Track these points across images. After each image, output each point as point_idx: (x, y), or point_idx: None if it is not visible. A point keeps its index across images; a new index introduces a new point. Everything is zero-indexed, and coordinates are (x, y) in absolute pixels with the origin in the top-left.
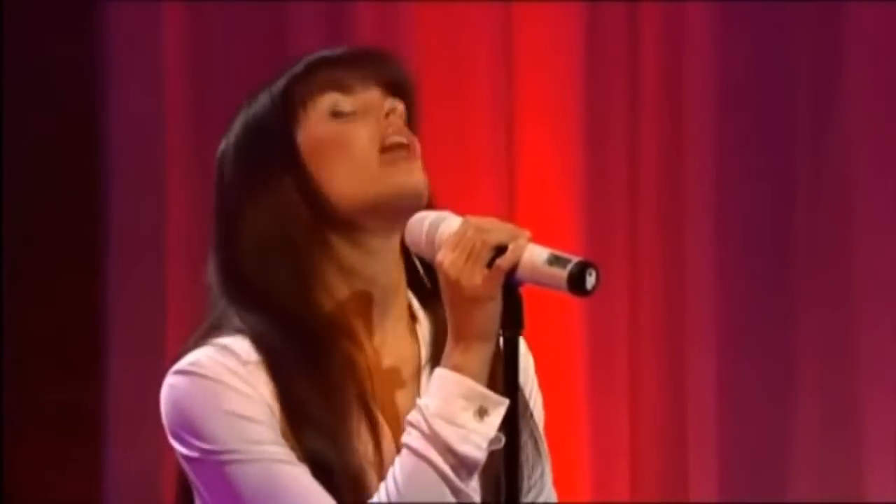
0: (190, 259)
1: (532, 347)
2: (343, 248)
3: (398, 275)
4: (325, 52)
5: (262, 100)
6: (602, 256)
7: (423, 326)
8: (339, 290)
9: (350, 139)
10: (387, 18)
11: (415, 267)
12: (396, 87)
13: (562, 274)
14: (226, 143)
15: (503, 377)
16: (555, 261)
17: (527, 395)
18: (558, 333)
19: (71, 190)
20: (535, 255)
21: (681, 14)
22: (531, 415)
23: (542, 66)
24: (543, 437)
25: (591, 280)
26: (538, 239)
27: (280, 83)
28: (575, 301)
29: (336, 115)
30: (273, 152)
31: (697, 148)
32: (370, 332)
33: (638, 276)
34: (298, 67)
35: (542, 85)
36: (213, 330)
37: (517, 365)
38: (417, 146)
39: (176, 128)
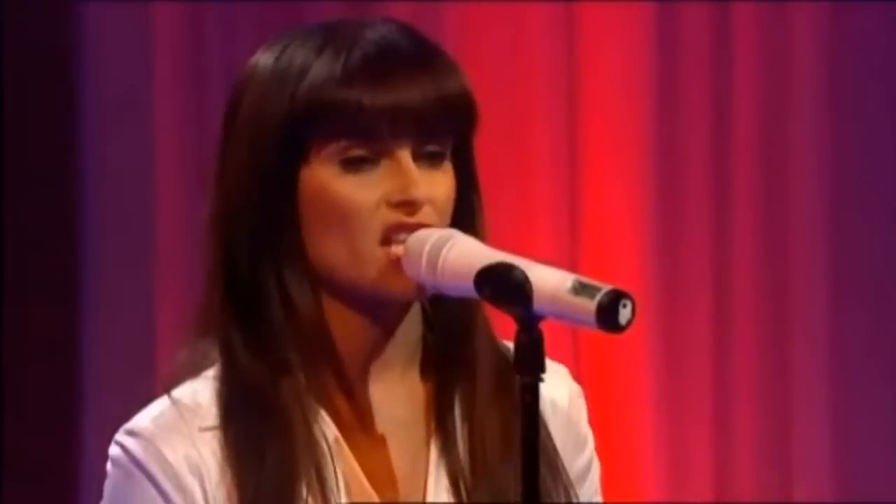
0: (183, 288)
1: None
2: (331, 300)
3: (403, 314)
4: (362, 71)
5: (278, 104)
6: (679, 284)
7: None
8: (326, 333)
9: (352, 208)
10: (427, 20)
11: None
12: (441, 125)
13: (589, 305)
14: (232, 128)
15: (520, 432)
16: (581, 289)
17: (585, 460)
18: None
19: (48, 204)
20: (556, 282)
21: (783, 14)
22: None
23: (610, 77)
24: None
25: (625, 313)
26: (602, 276)
27: (300, 97)
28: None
29: (347, 163)
30: (273, 178)
31: (804, 164)
32: (361, 385)
33: (728, 297)
34: (327, 91)
35: (610, 97)
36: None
37: (537, 417)
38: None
39: (167, 152)
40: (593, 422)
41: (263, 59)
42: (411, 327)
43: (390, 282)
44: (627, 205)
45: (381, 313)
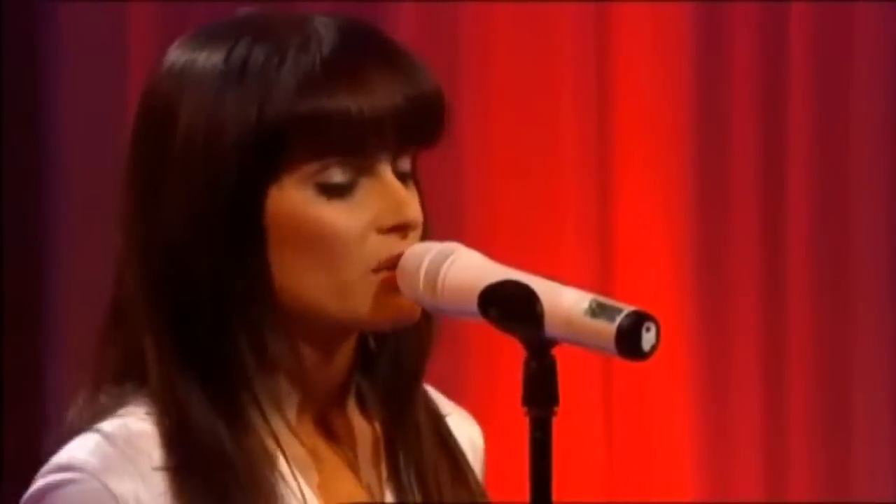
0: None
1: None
2: (278, 340)
3: (351, 362)
4: (342, 75)
5: (239, 116)
6: (724, 292)
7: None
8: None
9: (337, 236)
10: (440, 22)
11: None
12: (421, 130)
13: (608, 329)
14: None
15: (531, 471)
16: (599, 310)
17: None
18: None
19: (16, 212)
20: (570, 302)
21: (843, 15)
22: None
23: (645, 83)
24: None
25: (648, 337)
26: (636, 288)
27: (271, 108)
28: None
29: (325, 188)
30: (237, 202)
31: (864, 170)
32: (316, 427)
33: (780, 309)
34: (306, 100)
35: (646, 105)
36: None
37: (549, 454)
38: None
39: None
40: (628, 436)
41: (202, 59)
42: (352, 360)
43: (386, 307)
44: (664, 219)
45: (343, 346)
